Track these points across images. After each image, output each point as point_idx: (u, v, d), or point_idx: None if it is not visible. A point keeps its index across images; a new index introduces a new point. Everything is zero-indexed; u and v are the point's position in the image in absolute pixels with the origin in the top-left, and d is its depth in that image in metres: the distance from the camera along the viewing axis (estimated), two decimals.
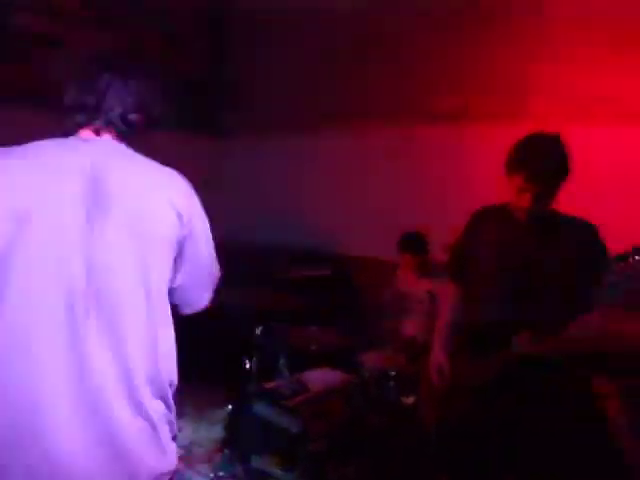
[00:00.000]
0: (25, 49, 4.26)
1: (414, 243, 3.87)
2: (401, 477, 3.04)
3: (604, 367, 2.98)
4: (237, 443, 3.12)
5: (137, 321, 1.29)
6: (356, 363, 3.53)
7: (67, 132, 1.39)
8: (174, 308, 1.46)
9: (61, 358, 1.21)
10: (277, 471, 2.91)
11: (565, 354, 2.04)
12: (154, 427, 1.34)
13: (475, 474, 2.19)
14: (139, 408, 1.30)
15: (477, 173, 3.80)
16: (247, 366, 3.56)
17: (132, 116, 1.40)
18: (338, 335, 3.79)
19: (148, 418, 1.33)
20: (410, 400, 3.28)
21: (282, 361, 3.59)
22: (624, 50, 3.49)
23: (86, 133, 1.38)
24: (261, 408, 2.98)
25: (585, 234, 2.07)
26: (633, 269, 1.66)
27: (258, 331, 3.56)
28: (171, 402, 1.41)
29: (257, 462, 2.99)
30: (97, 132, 1.39)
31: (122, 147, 1.40)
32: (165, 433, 1.38)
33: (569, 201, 2.16)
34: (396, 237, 3.90)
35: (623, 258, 1.70)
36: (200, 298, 1.54)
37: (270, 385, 3.17)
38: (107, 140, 1.39)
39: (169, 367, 1.40)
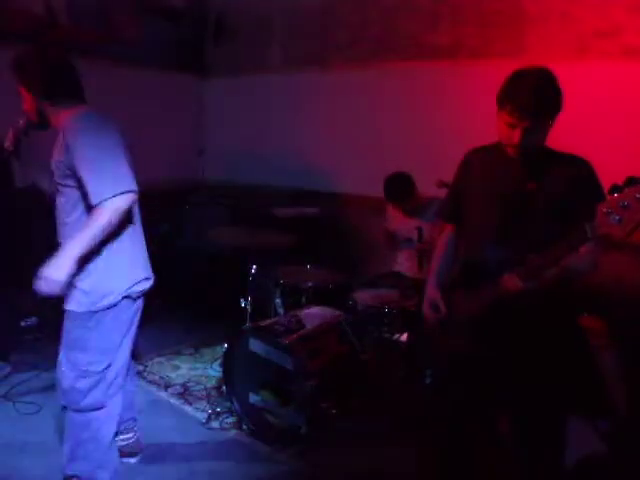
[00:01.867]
0: None
1: (395, 193, 3.79)
2: (395, 412, 3.11)
3: (595, 304, 3.02)
4: (234, 380, 3.17)
5: None
6: (350, 300, 3.55)
7: (72, 107, 2.26)
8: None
9: None
10: (273, 407, 2.97)
11: (556, 290, 2.03)
12: None
13: (470, 405, 2.24)
14: None
15: (473, 109, 3.75)
16: (243, 304, 3.59)
17: None
18: (331, 273, 3.81)
19: None
20: (403, 337, 3.32)
21: (277, 299, 3.61)
22: None
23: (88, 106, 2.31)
24: (257, 345, 3.02)
25: (578, 169, 2.03)
26: (626, 199, 1.63)
27: (253, 270, 3.58)
28: None
29: (253, 399, 3.05)
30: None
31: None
32: None
33: (565, 135, 2.14)
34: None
35: (617, 189, 1.67)
36: None
37: (266, 323, 3.19)
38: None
39: None
